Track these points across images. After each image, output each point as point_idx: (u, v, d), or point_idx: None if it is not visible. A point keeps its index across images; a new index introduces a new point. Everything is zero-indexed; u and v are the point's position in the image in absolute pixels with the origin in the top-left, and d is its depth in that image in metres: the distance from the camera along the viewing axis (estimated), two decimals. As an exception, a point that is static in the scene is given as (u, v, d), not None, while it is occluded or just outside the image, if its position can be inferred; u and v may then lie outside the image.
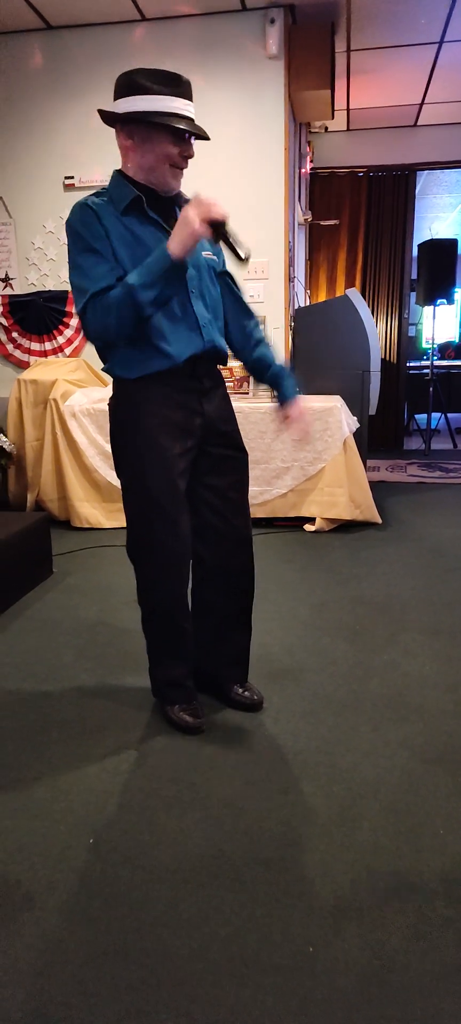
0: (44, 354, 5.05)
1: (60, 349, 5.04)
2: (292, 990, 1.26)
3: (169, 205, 1.91)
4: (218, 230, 1.74)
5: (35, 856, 1.60)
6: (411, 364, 7.65)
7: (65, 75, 4.68)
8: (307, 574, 3.41)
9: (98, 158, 4.71)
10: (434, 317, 6.83)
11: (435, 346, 7.29)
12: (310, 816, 1.71)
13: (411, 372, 7.60)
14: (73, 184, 4.80)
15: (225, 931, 1.39)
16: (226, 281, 2.05)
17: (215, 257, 2.01)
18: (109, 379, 2.01)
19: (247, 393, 4.64)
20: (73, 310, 4.53)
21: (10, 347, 5.07)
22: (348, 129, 6.57)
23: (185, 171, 1.91)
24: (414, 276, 7.10)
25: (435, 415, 7.39)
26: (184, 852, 1.60)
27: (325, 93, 4.62)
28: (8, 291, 5.03)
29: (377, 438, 7.05)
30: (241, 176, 4.62)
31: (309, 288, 6.85)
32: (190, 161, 1.91)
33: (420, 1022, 1.20)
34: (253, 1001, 1.24)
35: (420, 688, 2.30)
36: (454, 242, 6.71)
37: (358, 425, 4.30)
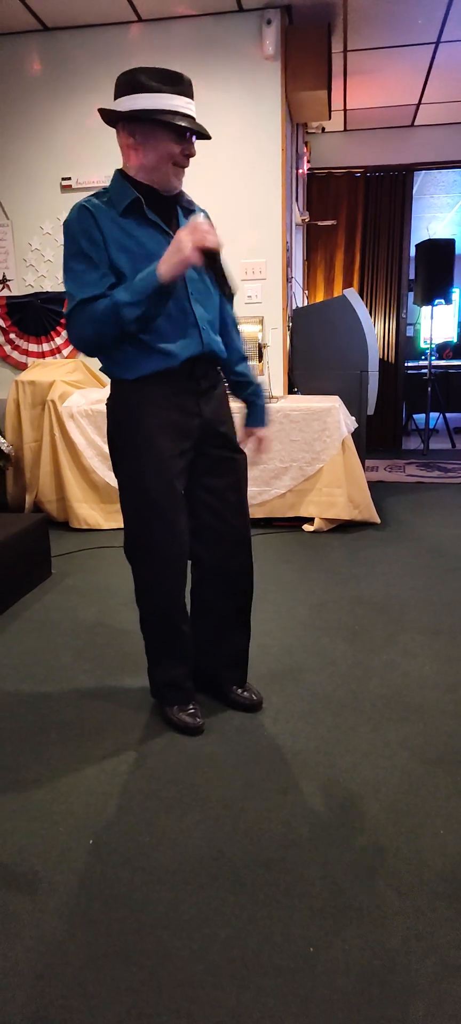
0: (42, 355, 5.05)
1: (58, 350, 5.04)
2: (293, 991, 1.26)
3: (171, 205, 1.91)
4: (210, 259, 1.75)
5: (35, 858, 1.60)
6: (409, 364, 7.66)
7: (62, 76, 4.68)
8: (306, 574, 3.41)
9: (95, 159, 4.71)
10: (432, 317, 6.84)
11: (433, 346, 7.30)
12: (310, 817, 1.70)
13: (409, 372, 7.60)
14: (70, 185, 4.80)
15: (225, 932, 1.38)
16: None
17: None
18: (107, 380, 2.01)
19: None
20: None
21: (8, 348, 5.07)
22: (345, 129, 6.57)
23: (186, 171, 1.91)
24: (412, 276, 7.11)
25: (433, 415, 7.39)
26: (184, 853, 1.60)
27: (322, 94, 4.63)
28: (6, 293, 5.02)
29: (375, 438, 7.06)
30: (238, 177, 4.63)
31: (307, 288, 6.86)
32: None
33: (421, 1022, 1.20)
34: (254, 1002, 1.24)
35: (420, 688, 2.30)
36: (452, 242, 6.72)
37: (356, 425, 4.30)
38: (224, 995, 1.25)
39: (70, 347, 5.00)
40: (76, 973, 1.31)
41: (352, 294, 4.57)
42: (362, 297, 6.82)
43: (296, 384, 4.82)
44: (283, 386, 4.85)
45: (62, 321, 4.97)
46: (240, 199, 4.63)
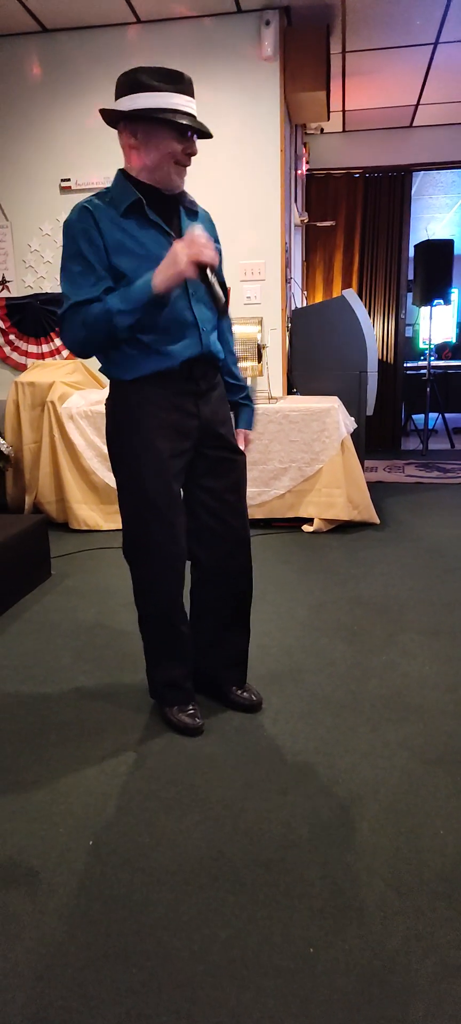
0: (41, 356, 5.05)
1: (57, 351, 5.04)
2: (293, 991, 1.26)
3: (173, 205, 1.91)
4: (204, 274, 1.76)
5: (34, 859, 1.60)
6: (408, 364, 7.66)
7: (61, 77, 4.68)
8: (305, 575, 3.41)
9: (95, 160, 4.71)
10: (431, 317, 6.84)
11: (432, 346, 7.30)
12: (310, 817, 1.71)
13: (408, 372, 7.61)
14: (70, 187, 4.80)
15: (225, 933, 1.38)
16: None
17: None
18: (107, 381, 2.01)
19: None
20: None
21: (7, 349, 5.07)
22: (344, 130, 6.58)
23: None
24: (411, 277, 7.11)
25: (432, 415, 7.40)
26: (184, 854, 1.60)
27: (320, 95, 4.63)
28: (5, 294, 5.02)
29: (375, 439, 7.07)
30: (237, 178, 4.63)
31: (306, 289, 6.86)
32: None
33: (421, 1023, 1.20)
34: (254, 1003, 1.24)
35: (419, 688, 2.30)
36: (450, 243, 6.72)
37: (355, 426, 4.30)
38: (224, 996, 1.25)
39: (69, 348, 4.99)
40: (76, 974, 1.31)
41: (351, 295, 4.57)
42: (361, 298, 6.82)
43: (295, 385, 4.83)
44: (282, 387, 4.85)
45: (61, 322, 4.97)
46: (239, 200, 4.63)
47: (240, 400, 2.18)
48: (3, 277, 5.01)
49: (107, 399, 1.98)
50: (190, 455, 1.99)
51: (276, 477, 4.11)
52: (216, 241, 2.04)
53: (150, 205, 1.84)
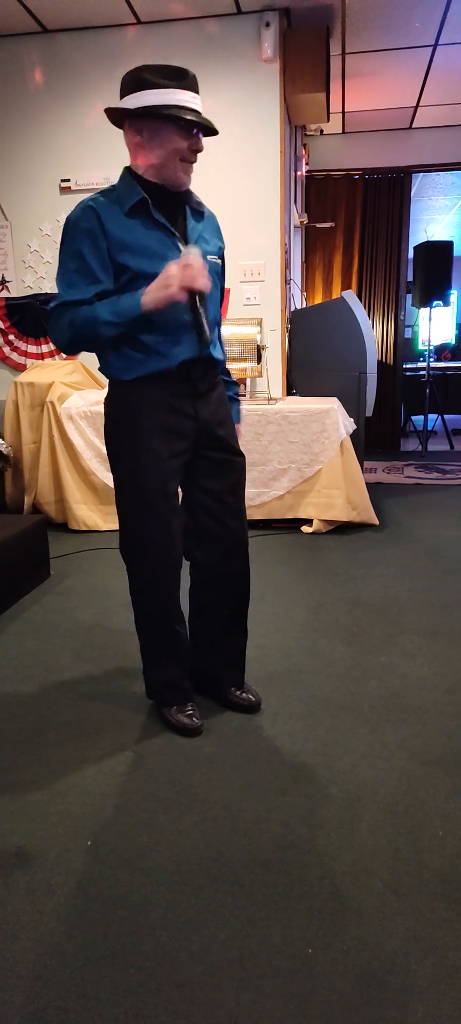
0: (41, 357, 5.05)
1: (57, 352, 5.04)
2: (291, 992, 1.26)
3: (179, 204, 1.91)
4: (194, 301, 1.77)
5: (33, 859, 1.60)
6: (407, 366, 7.67)
7: (61, 78, 4.69)
8: (304, 576, 3.41)
9: (95, 161, 4.72)
10: (430, 319, 6.85)
11: (431, 348, 7.30)
12: (309, 818, 1.70)
13: (407, 374, 7.61)
14: (69, 187, 4.81)
15: (224, 933, 1.38)
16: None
17: (218, 260, 2.01)
18: (106, 381, 2.02)
19: (244, 395, 4.65)
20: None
21: (7, 350, 5.07)
22: (343, 132, 6.58)
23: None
24: (410, 278, 7.12)
25: (432, 416, 7.40)
26: (182, 854, 1.60)
27: (320, 96, 4.64)
28: (4, 294, 5.02)
29: (374, 440, 7.07)
30: (237, 179, 4.63)
31: (305, 290, 6.87)
32: None
33: None
34: (253, 1003, 1.24)
35: (418, 690, 2.30)
36: (450, 244, 6.73)
37: (355, 427, 4.30)
38: (223, 996, 1.25)
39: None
40: (74, 974, 1.30)
41: (350, 296, 4.57)
42: (360, 299, 6.83)
43: (294, 386, 4.83)
44: (282, 388, 4.86)
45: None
46: (239, 201, 4.63)
47: (231, 396, 2.19)
48: (3, 277, 5.01)
49: (106, 399, 1.98)
50: (188, 456, 1.99)
51: (275, 478, 4.12)
52: (220, 242, 2.04)
53: (155, 204, 1.84)
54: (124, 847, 1.62)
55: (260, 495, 4.13)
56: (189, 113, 1.76)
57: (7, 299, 5.01)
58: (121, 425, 1.93)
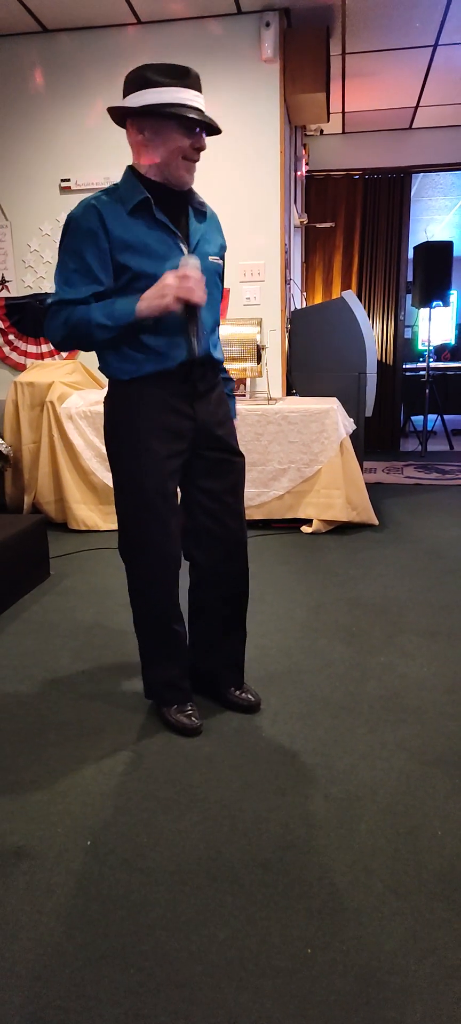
0: (40, 356, 5.05)
1: (56, 352, 5.04)
2: (291, 992, 1.26)
3: (181, 204, 1.91)
4: (188, 313, 1.77)
5: (32, 859, 1.60)
6: (407, 366, 7.67)
7: (61, 78, 4.69)
8: (304, 576, 3.42)
9: (95, 160, 4.72)
10: (430, 319, 6.85)
11: (431, 348, 7.31)
12: (308, 818, 1.71)
13: (407, 374, 7.61)
14: (69, 187, 4.81)
15: (224, 933, 1.38)
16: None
17: (220, 261, 2.01)
18: (106, 381, 2.02)
19: (244, 395, 4.65)
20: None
21: (6, 349, 5.07)
22: (343, 132, 6.58)
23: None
24: (410, 278, 7.12)
25: (431, 417, 7.40)
26: (182, 854, 1.60)
27: (320, 96, 4.64)
28: (4, 294, 5.02)
29: (373, 440, 7.07)
30: (237, 179, 4.63)
31: (305, 290, 6.87)
32: None
33: None
34: (252, 1003, 1.24)
35: (418, 690, 2.30)
36: (450, 244, 6.73)
37: (354, 427, 4.31)
38: (222, 996, 1.25)
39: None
40: (74, 974, 1.31)
41: (350, 296, 4.58)
42: (360, 299, 6.83)
43: (294, 386, 4.83)
44: (281, 388, 4.86)
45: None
46: (239, 201, 4.63)
47: (226, 392, 2.19)
48: (3, 277, 5.01)
49: (105, 398, 1.99)
50: (186, 456, 1.99)
51: (275, 478, 4.12)
52: (222, 242, 2.05)
53: (158, 204, 1.84)
54: (124, 847, 1.63)
55: (260, 495, 4.13)
56: (191, 111, 1.76)
57: (7, 299, 5.01)
58: (120, 425, 1.94)
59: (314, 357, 4.61)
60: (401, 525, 4.29)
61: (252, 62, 4.49)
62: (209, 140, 1.87)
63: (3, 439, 4.49)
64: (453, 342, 10.13)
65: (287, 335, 4.87)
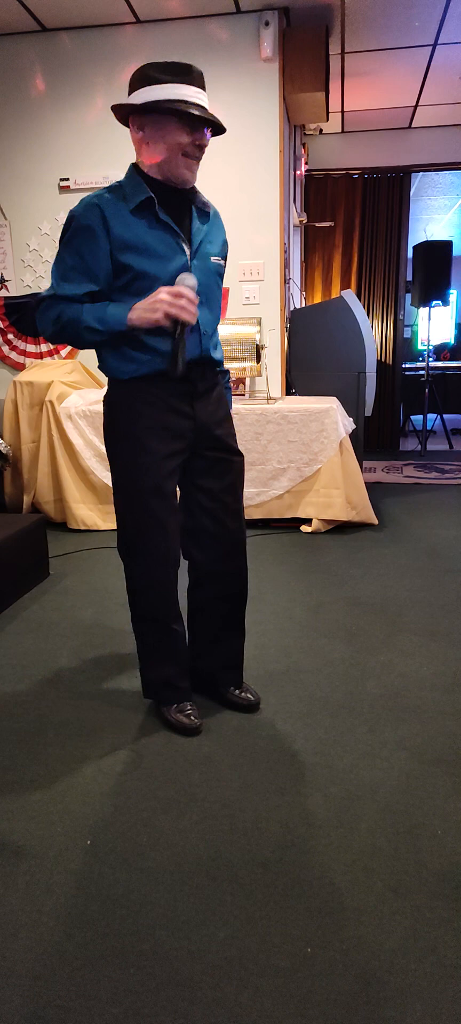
0: (40, 356, 5.05)
1: (56, 351, 5.04)
2: (291, 991, 1.26)
3: (185, 203, 1.90)
4: (177, 330, 1.77)
5: (32, 859, 1.60)
6: (407, 365, 7.68)
7: (60, 77, 4.68)
8: (303, 575, 3.42)
9: (94, 160, 4.71)
10: (429, 319, 6.86)
11: (430, 347, 7.31)
12: (308, 817, 1.70)
13: (407, 373, 7.62)
14: (68, 186, 4.80)
15: (223, 933, 1.38)
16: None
17: (222, 262, 2.01)
18: (105, 380, 2.02)
19: (243, 395, 4.65)
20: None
21: (6, 349, 5.06)
22: (343, 131, 6.59)
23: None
24: (409, 278, 7.12)
25: (431, 416, 7.41)
26: (182, 854, 1.60)
27: (320, 95, 4.64)
28: (3, 293, 5.02)
29: (373, 439, 7.08)
30: (236, 178, 4.63)
31: (304, 290, 6.87)
32: None
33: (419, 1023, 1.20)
34: (252, 1002, 1.24)
35: (417, 689, 2.30)
36: (449, 244, 6.73)
37: (354, 426, 4.31)
38: (222, 995, 1.25)
39: (68, 348, 5.00)
40: (74, 974, 1.30)
41: (350, 295, 4.58)
42: (360, 298, 6.84)
43: (294, 385, 4.83)
44: (281, 387, 4.86)
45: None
46: (238, 200, 4.63)
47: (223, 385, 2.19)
48: (2, 276, 5.01)
49: (105, 397, 1.98)
50: (185, 456, 1.99)
51: (274, 477, 4.12)
52: (224, 241, 2.04)
53: (162, 203, 1.84)
54: (123, 846, 1.62)
55: (259, 494, 4.13)
56: (192, 107, 1.75)
57: (6, 298, 5.01)
58: (119, 424, 1.93)
59: (313, 356, 4.61)
60: (400, 525, 4.29)
61: (251, 61, 4.49)
62: (224, 130, 1.86)
63: (2, 438, 4.49)
64: (452, 341, 10.13)
65: (286, 334, 4.87)
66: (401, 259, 6.87)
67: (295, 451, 4.07)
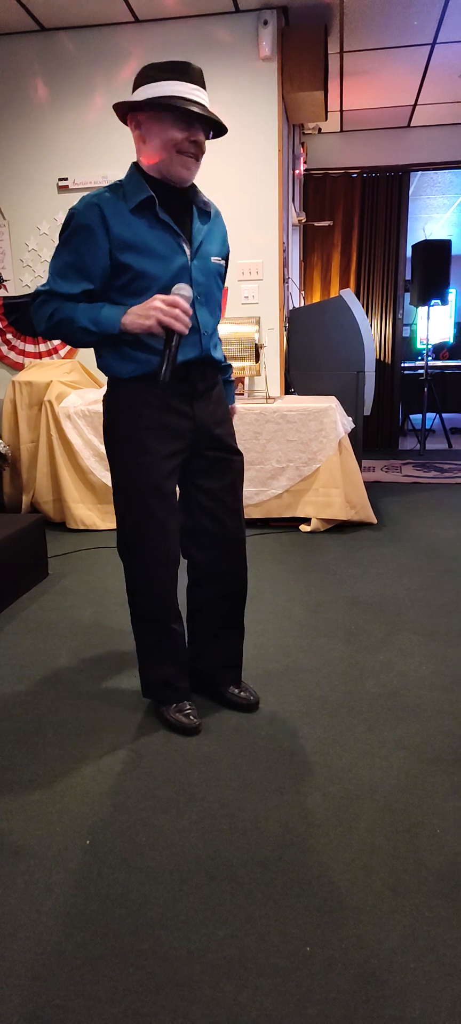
0: (39, 356, 5.04)
1: (55, 351, 5.04)
2: (290, 990, 1.26)
3: (185, 203, 1.90)
4: (169, 339, 1.77)
5: (31, 858, 1.60)
6: (405, 365, 7.68)
7: (59, 76, 4.68)
8: (303, 574, 3.42)
9: (93, 160, 4.71)
10: (428, 318, 6.86)
11: (429, 346, 7.31)
12: (307, 817, 1.71)
13: (406, 372, 7.63)
14: (67, 186, 4.80)
15: (223, 932, 1.38)
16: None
17: (222, 262, 2.01)
18: (104, 380, 2.02)
19: (242, 394, 4.65)
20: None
21: (4, 349, 5.06)
22: (341, 130, 6.58)
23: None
24: (408, 277, 7.12)
25: (430, 415, 7.41)
26: (181, 853, 1.60)
27: (318, 94, 4.64)
28: (2, 292, 5.02)
29: (372, 438, 7.08)
30: (235, 178, 4.63)
31: (303, 289, 6.87)
32: None
33: (418, 1022, 1.20)
34: (251, 1002, 1.24)
35: (416, 688, 2.30)
36: (448, 243, 6.73)
37: (353, 425, 4.31)
38: (221, 995, 1.25)
39: (67, 348, 5.00)
40: (73, 974, 1.30)
41: (349, 295, 4.58)
42: (359, 298, 6.84)
43: (293, 384, 4.83)
44: (280, 386, 4.86)
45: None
46: (237, 200, 4.63)
47: (225, 380, 2.19)
48: (0, 276, 5.00)
49: (104, 396, 1.98)
50: (185, 455, 1.99)
51: (274, 477, 4.12)
52: (226, 242, 2.04)
53: (162, 203, 1.83)
54: (122, 846, 1.62)
55: (258, 494, 4.13)
56: (187, 103, 1.74)
57: (5, 298, 5.01)
58: (119, 423, 1.93)
59: (312, 356, 4.61)
60: (399, 524, 4.29)
61: (250, 60, 4.49)
62: (225, 129, 1.86)
63: (1, 438, 4.49)
64: (451, 340, 10.14)
65: (285, 334, 4.87)
66: (400, 258, 6.87)
67: (294, 450, 4.07)
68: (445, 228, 10.28)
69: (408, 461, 6.47)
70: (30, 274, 4.97)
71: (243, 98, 4.54)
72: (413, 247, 6.82)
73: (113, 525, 4.13)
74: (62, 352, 5.02)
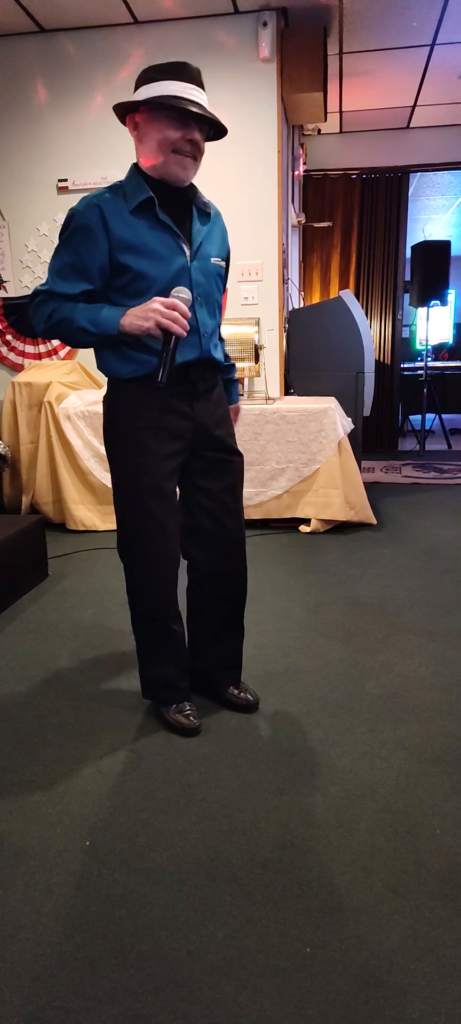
0: (38, 357, 5.05)
1: (54, 352, 5.04)
2: (290, 991, 1.26)
3: (185, 204, 1.90)
4: (167, 341, 1.77)
5: (31, 860, 1.60)
6: (405, 365, 7.69)
7: (58, 78, 4.68)
8: (302, 575, 3.42)
9: (92, 160, 4.71)
10: (428, 318, 6.86)
11: (429, 347, 7.31)
12: (307, 817, 1.71)
13: (405, 373, 7.63)
14: (67, 187, 4.80)
15: (223, 933, 1.38)
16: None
17: (222, 263, 2.01)
18: (104, 381, 2.02)
19: (242, 395, 4.65)
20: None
21: (4, 350, 5.06)
22: (341, 131, 6.59)
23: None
24: (408, 278, 7.12)
25: (429, 416, 7.41)
26: (181, 854, 1.60)
27: (318, 96, 4.64)
28: (2, 293, 5.02)
29: (372, 439, 7.08)
30: (235, 179, 4.64)
31: (303, 290, 6.87)
32: None
33: (418, 1023, 1.20)
34: (251, 1003, 1.24)
35: (416, 689, 2.31)
36: (447, 243, 6.74)
37: (352, 426, 4.31)
38: (221, 996, 1.25)
39: (67, 349, 5.00)
40: (73, 975, 1.30)
41: (348, 295, 4.58)
42: (358, 298, 6.84)
43: (292, 385, 4.83)
44: (279, 387, 4.86)
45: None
46: (237, 201, 4.64)
47: (227, 377, 2.19)
48: (0, 277, 5.00)
49: (104, 397, 1.98)
50: (185, 456, 1.99)
51: (273, 478, 4.12)
52: (226, 242, 2.04)
53: (162, 204, 1.83)
54: (122, 847, 1.62)
55: (258, 495, 4.14)
56: (182, 102, 1.74)
57: (5, 299, 5.01)
58: (119, 424, 1.93)
59: (312, 357, 4.61)
60: (399, 524, 4.30)
61: (249, 62, 4.49)
62: (224, 129, 1.86)
63: (1, 439, 4.49)
64: (451, 341, 10.15)
65: (285, 335, 4.87)
66: (399, 259, 6.87)
67: (294, 451, 4.07)
68: (444, 229, 10.29)
69: (408, 462, 6.47)
70: (30, 275, 4.97)
71: (243, 99, 4.54)
72: (412, 248, 6.83)
73: (113, 526, 4.12)
74: (62, 353, 5.02)
